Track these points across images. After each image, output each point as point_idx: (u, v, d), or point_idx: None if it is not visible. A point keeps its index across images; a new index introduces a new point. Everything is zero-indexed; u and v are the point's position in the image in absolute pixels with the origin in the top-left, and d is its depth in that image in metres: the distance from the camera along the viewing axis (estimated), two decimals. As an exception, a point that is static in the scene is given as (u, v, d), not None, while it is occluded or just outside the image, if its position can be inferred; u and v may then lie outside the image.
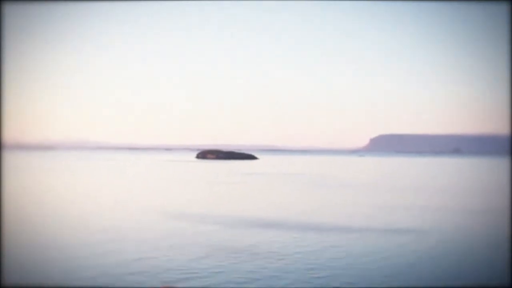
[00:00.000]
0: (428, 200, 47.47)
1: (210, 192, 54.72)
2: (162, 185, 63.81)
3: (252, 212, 37.36)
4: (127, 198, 47.08)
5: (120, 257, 21.55)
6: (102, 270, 19.28)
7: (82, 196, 48.30)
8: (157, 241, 25.22)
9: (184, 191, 55.33)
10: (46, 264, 20.21)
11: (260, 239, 26.19)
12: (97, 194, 51.25)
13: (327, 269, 19.77)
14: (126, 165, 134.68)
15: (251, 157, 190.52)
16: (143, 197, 48.62)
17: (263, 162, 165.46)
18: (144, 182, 69.38)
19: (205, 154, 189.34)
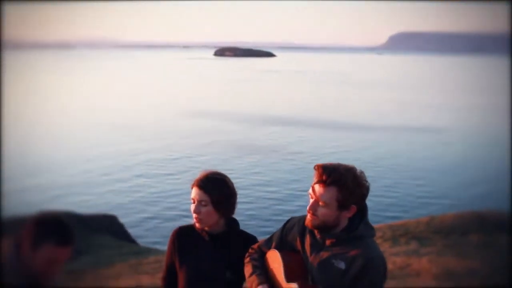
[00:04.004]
0: (448, 98, 47.23)
1: (229, 90, 54.76)
2: (182, 83, 63.88)
3: (272, 110, 37.48)
4: (146, 97, 47.30)
5: (144, 157, 21.94)
6: (127, 175, 19.83)
7: (104, 96, 48.65)
8: (179, 140, 25.58)
9: (204, 89, 55.40)
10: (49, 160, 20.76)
11: (281, 137, 26.48)
12: (119, 93, 51.55)
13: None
14: (144, 63, 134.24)
15: (269, 54, 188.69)
16: (164, 95, 48.79)
17: (281, 59, 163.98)
18: (164, 80, 69.45)
19: (223, 52, 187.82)
